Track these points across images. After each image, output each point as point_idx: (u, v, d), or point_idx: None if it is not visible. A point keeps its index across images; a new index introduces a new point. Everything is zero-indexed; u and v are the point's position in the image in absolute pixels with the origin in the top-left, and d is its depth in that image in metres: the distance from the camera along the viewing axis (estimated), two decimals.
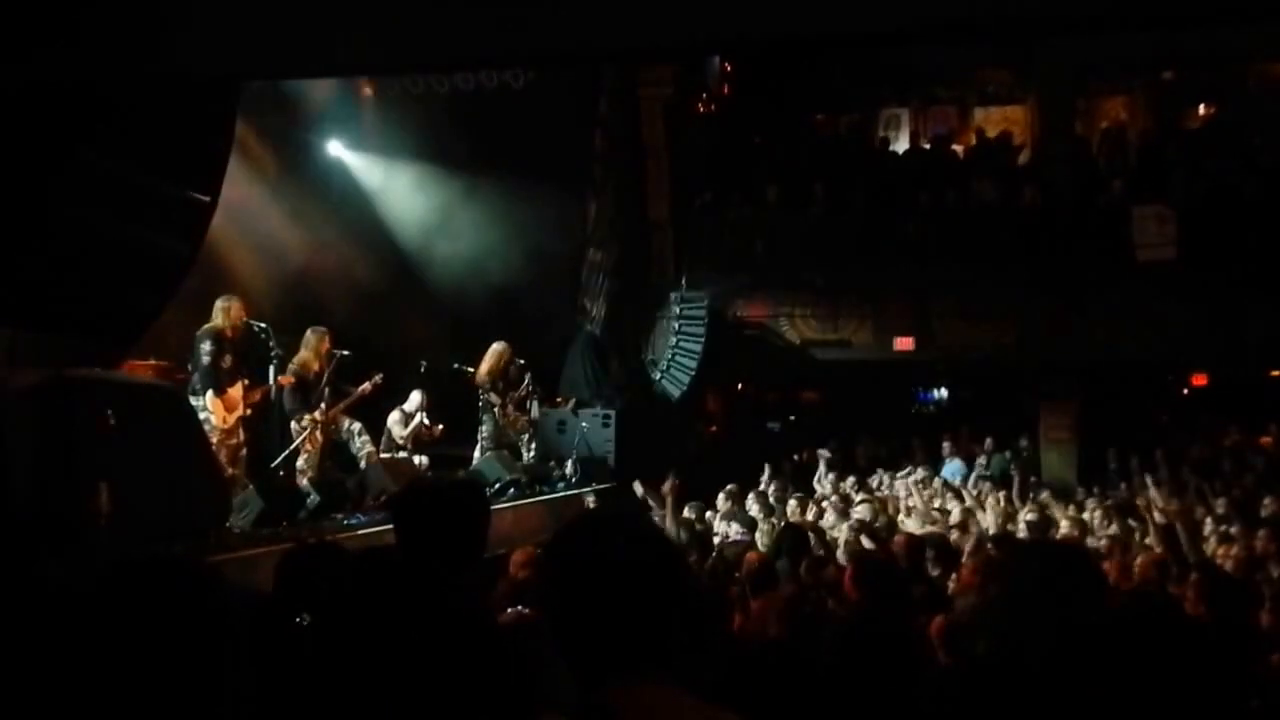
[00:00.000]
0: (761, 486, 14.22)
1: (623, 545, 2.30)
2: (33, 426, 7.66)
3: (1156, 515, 10.40)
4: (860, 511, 11.55)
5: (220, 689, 2.31)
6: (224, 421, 10.55)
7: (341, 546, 4.47)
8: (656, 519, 10.79)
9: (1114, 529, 10.95)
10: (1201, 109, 22.57)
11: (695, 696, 2.20)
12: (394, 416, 13.67)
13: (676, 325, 18.46)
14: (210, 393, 10.46)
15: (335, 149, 15.63)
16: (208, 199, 10.08)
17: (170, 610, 2.29)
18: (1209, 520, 11.44)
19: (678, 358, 18.36)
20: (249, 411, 11.09)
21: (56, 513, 7.43)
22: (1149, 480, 12.75)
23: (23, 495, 7.41)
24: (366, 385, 12.43)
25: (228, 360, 10.67)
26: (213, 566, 2.73)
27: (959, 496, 13.46)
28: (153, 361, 10.66)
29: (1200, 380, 22.21)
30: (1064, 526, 10.97)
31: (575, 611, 2.25)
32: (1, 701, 2.69)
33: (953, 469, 18.48)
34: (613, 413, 16.85)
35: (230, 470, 10.49)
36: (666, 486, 11.12)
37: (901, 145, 23.36)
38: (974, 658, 4.35)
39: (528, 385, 15.63)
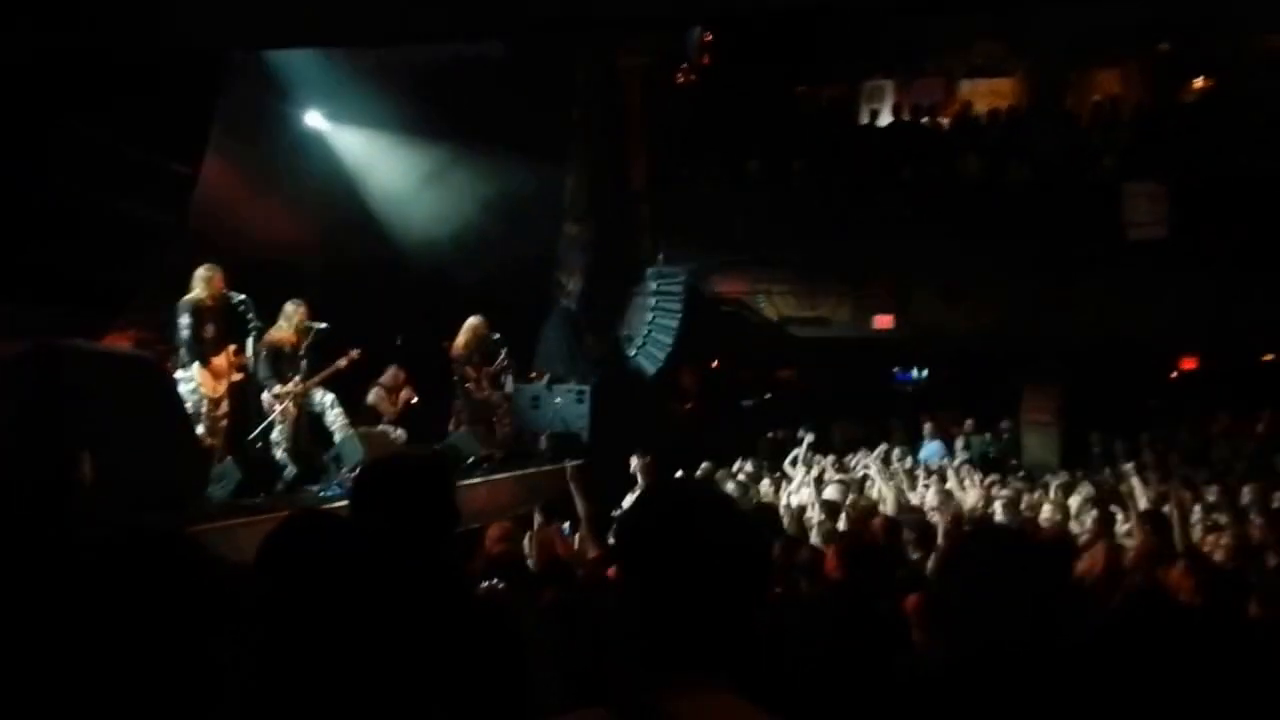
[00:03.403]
0: (735, 468, 14.59)
1: (721, 525, 2.18)
2: (15, 396, 7.99)
3: (1140, 501, 10.76)
4: (830, 492, 11.80)
5: (218, 664, 2.33)
6: (213, 391, 10.86)
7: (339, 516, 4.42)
8: (633, 497, 11.04)
9: (1093, 515, 11.08)
10: (1199, 82, 22.17)
11: (752, 703, 2.09)
12: (375, 393, 13.95)
13: (653, 301, 18.56)
14: (196, 364, 10.76)
15: (313, 119, 15.78)
16: (191, 171, 10.39)
17: (166, 583, 2.31)
18: (1197, 508, 11.52)
19: (653, 333, 18.43)
20: (239, 377, 11.40)
21: (38, 481, 7.72)
22: (1129, 466, 13.12)
23: (4, 464, 7.72)
24: (343, 360, 12.65)
25: (209, 330, 10.92)
26: (197, 540, 2.63)
27: (939, 478, 13.75)
28: (134, 333, 10.97)
29: (1190, 364, 22.26)
30: (1045, 512, 11.19)
31: (647, 596, 2.13)
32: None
33: (932, 450, 18.80)
34: (587, 388, 16.95)
35: (209, 441, 10.77)
36: (638, 464, 11.28)
37: (885, 118, 23.17)
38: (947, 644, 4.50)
39: (503, 360, 15.94)
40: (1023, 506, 11.55)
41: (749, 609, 2.15)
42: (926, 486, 12.94)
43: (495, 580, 5.22)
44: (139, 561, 2.36)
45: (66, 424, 8.13)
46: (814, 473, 13.06)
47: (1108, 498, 11.96)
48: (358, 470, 10.77)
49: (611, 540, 8.88)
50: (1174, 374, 22.70)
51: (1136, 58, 22.90)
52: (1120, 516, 10.69)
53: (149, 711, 2.22)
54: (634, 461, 12.34)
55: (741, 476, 13.78)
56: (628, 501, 11.02)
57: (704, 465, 14.25)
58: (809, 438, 14.71)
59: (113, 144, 9.44)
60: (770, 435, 19.33)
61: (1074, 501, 11.85)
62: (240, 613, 2.57)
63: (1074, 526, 10.57)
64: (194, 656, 2.30)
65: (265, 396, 11.95)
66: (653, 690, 2.04)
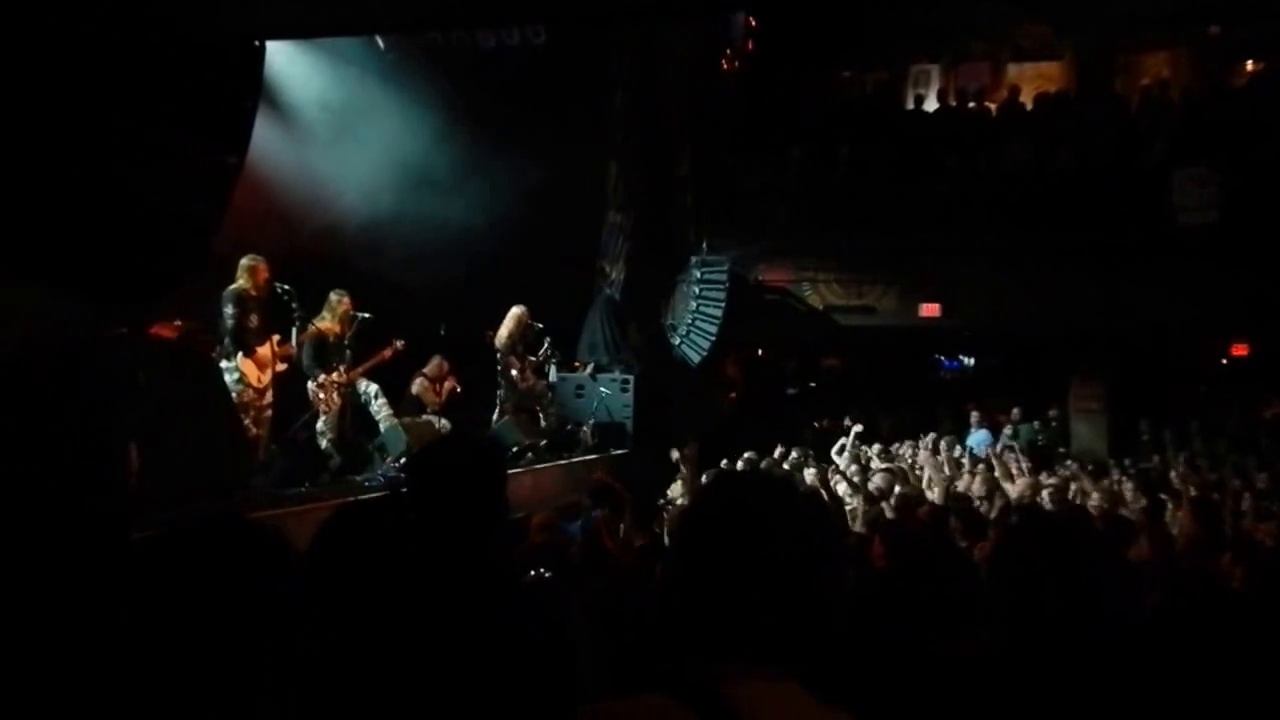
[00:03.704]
0: (776, 455, 14.57)
1: (789, 510, 2.15)
2: (63, 386, 8.06)
3: (1190, 489, 10.70)
4: (877, 480, 11.79)
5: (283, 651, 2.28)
6: (258, 381, 10.89)
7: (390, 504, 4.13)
8: (677, 489, 11.06)
9: (1144, 502, 11.01)
10: (1249, 65, 21.98)
11: (812, 694, 2.06)
12: (419, 383, 13.97)
13: (697, 289, 18.52)
14: (241, 354, 10.79)
15: (357, 108, 15.84)
16: (235, 160, 10.47)
17: (251, 570, 2.28)
18: (1246, 495, 11.44)
19: (698, 322, 18.41)
20: (283, 367, 11.42)
21: (88, 472, 7.81)
22: (1179, 453, 13.05)
23: (54, 455, 7.80)
24: (387, 350, 12.74)
25: (253, 320, 10.92)
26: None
27: (987, 466, 13.69)
28: (179, 323, 11.03)
29: (1240, 350, 21.75)
30: (1094, 499, 11.07)
31: (709, 580, 2.08)
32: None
33: (979, 438, 18.75)
34: (631, 378, 17.00)
35: (255, 431, 10.80)
36: (680, 454, 11.27)
37: (931, 104, 23.14)
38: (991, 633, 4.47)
39: (546, 349, 15.96)
40: (1071, 494, 11.49)
41: (816, 596, 2.11)
42: (973, 475, 12.88)
43: (540, 569, 5.20)
44: (205, 547, 2.33)
45: (113, 415, 8.15)
46: (860, 461, 13.03)
47: (1157, 485, 11.89)
48: (405, 459, 10.93)
49: (666, 529, 8.89)
50: (1223, 360, 22.42)
51: (1186, 41, 22.70)
52: (1170, 504, 10.64)
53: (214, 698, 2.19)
54: (675, 453, 12.38)
55: (786, 466, 13.77)
56: (671, 491, 11.04)
57: (747, 454, 14.23)
58: (857, 427, 14.67)
59: (156, 133, 9.49)
60: (815, 424, 19.30)
61: (1123, 489, 11.76)
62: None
63: (1124, 513, 10.46)
64: (265, 643, 2.26)
65: (310, 386, 12.00)
66: (714, 677, 2.00)
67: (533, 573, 4.84)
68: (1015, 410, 19.86)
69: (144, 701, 2.15)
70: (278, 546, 2.39)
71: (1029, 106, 21.47)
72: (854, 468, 12.54)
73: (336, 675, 2.57)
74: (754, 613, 2.04)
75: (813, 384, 24.78)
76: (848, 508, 10.51)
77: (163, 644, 2.17)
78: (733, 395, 22.19)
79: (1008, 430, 19.34)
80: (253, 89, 10.87)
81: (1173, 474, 12.86)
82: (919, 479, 12.76)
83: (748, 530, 2.10)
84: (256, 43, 11.01)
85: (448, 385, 14.04)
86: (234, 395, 10.52)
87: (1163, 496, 11.23)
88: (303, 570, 2.73)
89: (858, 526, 9.24)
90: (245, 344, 10.83)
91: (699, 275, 18.64)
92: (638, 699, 2.03)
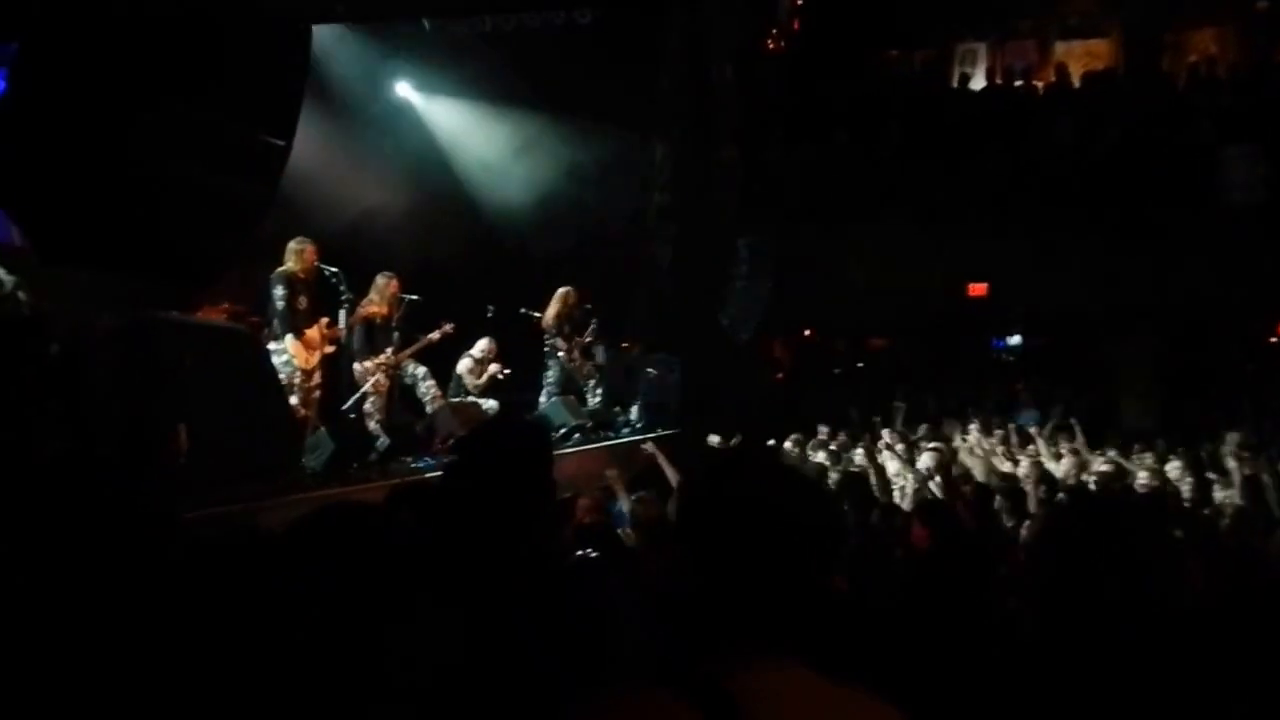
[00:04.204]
0: (823, 436, 14.55)
1: (786, 492, 2.11)
2: (114, 368, 8.14)
3: (1239, 468, 10.59)
4: (925, 460, 11.75)
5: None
6: (306, 363, 10.95)
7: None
8: None
9: (1191, 482, 10.87)
10: None
11: (826, 677, 2.02)
12: (464, 364, 13.99)
13: (744, 270, 18.52)
14: (290, 336, 10.85)
15: (404, 90, 15.91)
16: (283, 143, 10.51)
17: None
18: None
19: (744, 303, 18.43)
20: (331, 349, 11.51)
21: (138, 452, 7.88)
22: (1227, 432, 12.91)
23: (104, 435, 7.87)
24: (435, 333, 12.82)
25: (303, 302, 10.99)
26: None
27: (1034, 445, 13.61)
28: (227, 305, 11.11)
29: None
30: (1142, 478, 10.95)
31: (709, 566, 2.05)
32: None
33: (1027, 418, 18.65)
34: (678, 358, 16.91)
35: (303, 412, 10.89)
36: (719, 443, 11.23)
37: (978, 82, 23.06)
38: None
39: (593, 330, 15.93)
40: (1118, 473, 11.40)
41: (816, 579, 2.07)
42: (1019, 454, 12.81)
43: (587, 550, 5.20)
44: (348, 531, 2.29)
45: (163, 396, 8.21)
46: (908, 441, 12.99)
47: (1205, 464, 11.79)
48: (450, 441, 10.94)
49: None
50: (1272, 338, 22.13)
51: (1234, 18, 22.55)
52: (1218, 483, 10.55)
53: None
54: (714, 438, 12.35)
55: (834, 445, 13.75)
56: None
57: (794, 435, 14.21)
58: (901, 406, 14.61)
59: (205, 116, 9.55)
60: (862, 404, 19.26)
61: (1171, 469, 11.65)
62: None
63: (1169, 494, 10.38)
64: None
65: (357, 368, 12.07)
66: (717, 665, 1.97)
67: (579, 553, 4.85)
68: (1063, 389, 19.73)
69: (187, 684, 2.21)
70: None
71: (1076, 84, 21.26)
72: (900, 447, 12.48)
73: (377, 654, 2.56)
74: (753, 598, 2.01)
75: (860, 364, 24.70)
76: (896, 487, 10.48)
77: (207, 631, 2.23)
78: (780, 376, 22.16)
79: (1057, 409, 19.22)
80: (300, 72, 10.91)
81: (1222, 453, 12.74)
82: (967, 458, 12.69)
83: (741, 515, 2.06)
84: (304, 26, 11.06)
85: (491, 369, 14.03)
86: (283, 377, 10.60)
87: (1211, 476, 11.11)
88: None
89: (906, 505, 9.19)
90: (295, 326, 10.90)
91: (745, 256, 18.61)
92: (638, 693, 2.00)
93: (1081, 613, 3.10)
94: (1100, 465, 11.56)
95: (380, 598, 2.09)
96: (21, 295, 8.42)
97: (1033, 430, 15.77)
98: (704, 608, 2.05)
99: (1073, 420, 14.87)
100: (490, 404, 13.45)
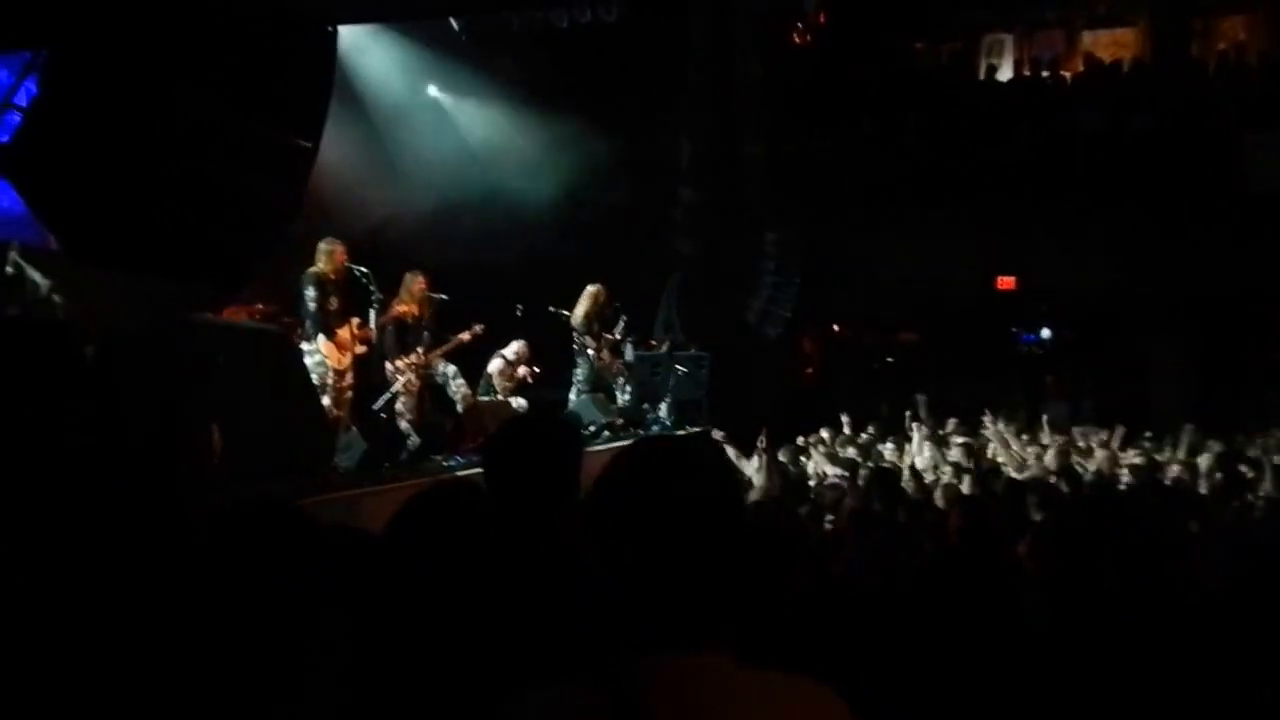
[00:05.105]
0: (846, 430, 14.56)
1: (678, 480, 2.04)
2: (147, 369, 8.21)
3: (1269, 459, 10.56)
4: (954, 454, 11.74)
5: (312, 634, 2.38)
6: (339, 363, 11.04)
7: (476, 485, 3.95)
8: (754, 466, 11.04)
9: (1222, 474, 10.81)
10: None
11: (747, 664, 2.00)
12: (496, 364, 14.01)
13: (772, 265, 18.47)
14: (321, 336, 10.95)
15: (432, 90, 15.96)
16: (310, 144, 10.59)
17: (269, 555, 2.40)
18: None
19: (773, 298, 18.39)
20: (362, 349, 11.57)
21: (171, 453, 7.95)
22: (1261, 423, 12.84)
23: (138, 437, 7.94)
24: (466, 333, 12.89)
25: (333, 303, 11.09)
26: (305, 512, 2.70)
27: (1064, 439, 13.56)
28: (260, 306, 11.19)
29: None
30: (1173, 471, 11.00)
31: (612, 559, 2.02)
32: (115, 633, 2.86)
33: (1057, 411, 18.60)
34: (708, 355, 16.90)
35: (335, 412, 10.97)
36: (761, 439, 11.24)
37: (1005, 73, 22.93)
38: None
39: (622, 327, 15.92)
40: (1149, 466, 11.37)
41: (736, 570, 2.03)
42: (1049, 448, 12.79)
43: None
44: (246, 533, 2.45)
45: (196, 396, 8.28)
46: (937, 435, 12.99)
47: (1238, 456, 11.74)
48: (480, 439, 11.00)
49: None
50: None
51: (1263, 4, 22.30)
52: (1251, 475, 10.52)
53: (243, 680, 2.29)
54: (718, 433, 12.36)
55: (862, 440, 13.76)
56: (748, 470, 11.05)
57: (823, 431, 14.23)
58: (924, 399, 14.61)
59: (234, 119, 9.62)
60: (892, 399, 19.22)
61: (1203, 460, 11.61)
62: (353, 582, 2.65)
63: (1202, 486, 10.34)
64: (297, 625, 2.36)
65: (389, 368, 12.12)
66: (632, 658, 1.95)
67: None
68: (1094, 381, 19.69)
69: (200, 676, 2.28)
70: (309, 534, 2.53)
71: (1104, 74, 21.14)
72: (929, 442, 12.49)
73: (407, 649, 2.68)
74: (670, 589, 1.97)
75: (889, 358, 24.65)
76: (926, 481, 10.49)
77: (193, 621, 2.32)
78: (809, 371, 22.14)
79: (1086, 402, 19.16)
80: (327, 74, 10.99)
81: (1261, 442, 12.71)
82: (996, 453, 12.68)
83: (651, 501, 2.00)
84: (330, 27, 11.14)
85: (522, 371, 14.04)
86: (315, 377, 10.67)
87: (1243, 468, 11.06)
88: (360, 553, 2.91)
89: (937, 500, 9.18)
90: (326, 326, 10.98)
91: (773, 251, 18.56)
92: (555, 686, 2.00)
93: (1086, 604, 3.11)
94: (1132, 458, 11.53)
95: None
96: (56, 298, 8.53)
97: (1062, 423, 15.72)
98: (618, 602, 2.01)
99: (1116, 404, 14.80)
100: (520, 402, 13.48)
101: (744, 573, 2.06)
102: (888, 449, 13.06)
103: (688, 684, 1.92)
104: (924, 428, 13.38)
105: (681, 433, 13.96)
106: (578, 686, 1.95)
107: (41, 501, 5.87)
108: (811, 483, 11.13)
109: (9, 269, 8.62)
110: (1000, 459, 12.20)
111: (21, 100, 9.47)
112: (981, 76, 22.64)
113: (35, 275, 8.81)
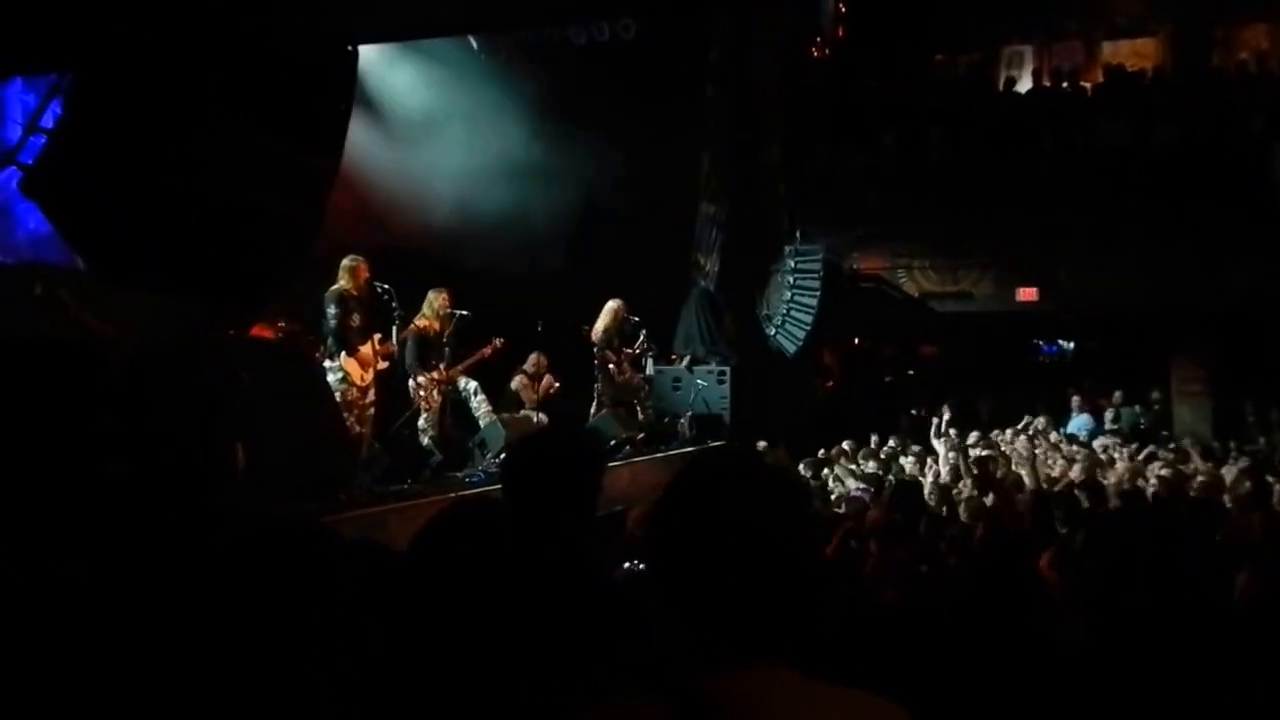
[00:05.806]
0: (873, 445, 14.57)
1: (749, 500, 2.03)
2: (172, 387, 8.29)
3: None
4: (976, 466, 11.72)
5: (331, 649, 2.43)
6: (361, 380, 11.08)
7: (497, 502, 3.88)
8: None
9: (1248, 485, 10.88)
10: None
11: (812, 678, 1.99)
12: (518, 380, 14.03)
13: (791, 279, 18.43)
14: (344, 353, 10.95)
15: (451, 106, 16.04)
16: (329, 163, 10.67)
17: (294, 572, 2.45)
18: None
19: (793, 312, 18.32)
20: (384, 365, 11.59)
21: (196, 470, 8.02)
22: None
23: (164, 454, 8.01)
24: (487, 349, 12.88)
25: (356, 320, 11.08)
26: (330, 530, 2.75)
27: (1088, 451, 13.55)
28: (283, 324, 11.25)
29: None
30: (1197, 482, 10.91)
31: (681, 577, 2.01)
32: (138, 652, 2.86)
33: (1080, 423, 18.60)
34: (728, 369, 16.95)
35: (358, 429, 10.98)
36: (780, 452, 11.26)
37: (1025, 84, 22.88)
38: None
39: (642, 342, 15.97)
40: (1175, 478, 11.36)
41: (797, 583, 2.00)
42: (1074, 460, 12.79)
43: (636, 563, 5.24)
44: (271, 551, 2.50)
45: (220, 414, 8.35)
46: (959, 449, 13.01)
47: (1263, 467, 11.73)
48: (502, 455, 11.03)
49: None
50: None
51: None
52: (1277, 486, 10.50)
53: (268, 696, 2.33)
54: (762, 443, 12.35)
55: (884, 454, 13.78)
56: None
57: (845, 444, 14.25)
58: (946, 413, 14.64)
59: (255, 140, 9.70)
60: (913, 412, 19.23)
61: (1229, 472, 11.60)
62: (377, 598, 2.73)
63: (1227, 498, 10.32)
64: (321, 641, 2.42)
65: (411, 384, 12.17)
66: (699, 675, 1.93)
67: (627, 565, 4.90)
68: (1117, 394, 19.68)
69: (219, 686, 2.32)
70: (332, 551, 2.57)
71: (1125, 84, 21.12)
72: (952, 455, 12.50)
73: (430, 665, 2.72)
74: (732, 603, 1.96)
75: (910, 372, 24.66)
76: (950, 494, 10.51)
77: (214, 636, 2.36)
78: (830, 384, 22.15)
79: (1109, 414, 19.17)
80: (347, 93, 11.07)
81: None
82: (1019, 466, 12.69)
83: (713, 518, 2.00)
84: (350, 47, 11.23)
85: (545, 383, 14.12)
86: (338, 394, 10.72)
87: (1270, 479, 11.04)
88: (382, 570, 2.95)
89: (960, 514, 9.20)
90: (348, 343, 11.01)
91: (793, 265, 18.55)
92: (618, 700, 2.00)
93: (1120, 618, 3.12)
94: (1158, 470, 11.53)
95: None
96: (83, 317, 8.61)
97: (1086, 436, 15.72)
98: (683, 617, 2.00)
99: (1139, 416, 14.80)
100: (541, 418, 13.53)
101: (811, 586, 2.06)
102: (909, 461, 13.08)
103: (755, 697, 1.91)
104: (947, 440, 13.40)
105: (737, 446, 13.91)
106: (643, 702, 1.94)
107: (78, 519, 5.94)
108: (833, 496, 11.14)
109: (37, 289, 8.70)
110: (1022, 471, 12.20)
111: (47, 123, 9.59)
112: (1000, 88, 22.63)
113: (64, 295, 8.89)
